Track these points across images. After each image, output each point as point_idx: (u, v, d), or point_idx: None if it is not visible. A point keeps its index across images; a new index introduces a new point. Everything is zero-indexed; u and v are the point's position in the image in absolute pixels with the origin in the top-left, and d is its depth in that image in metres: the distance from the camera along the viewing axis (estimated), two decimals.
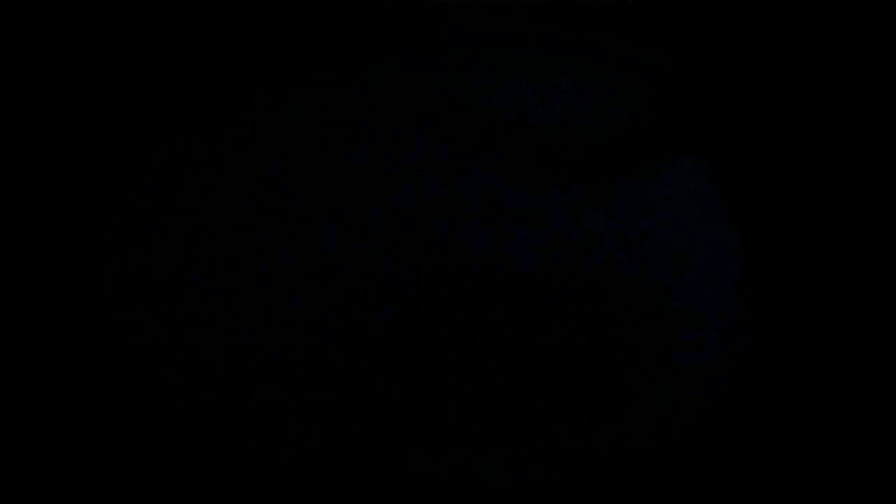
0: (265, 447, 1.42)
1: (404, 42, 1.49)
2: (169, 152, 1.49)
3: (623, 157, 1.47)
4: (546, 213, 1.44)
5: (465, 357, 1.41)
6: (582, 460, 1.40)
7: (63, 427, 1.42)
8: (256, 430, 1.42)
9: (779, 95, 1.50)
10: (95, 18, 1.50)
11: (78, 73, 1.50)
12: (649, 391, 1.41)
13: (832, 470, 1.42)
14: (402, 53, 1.49)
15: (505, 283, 1.42)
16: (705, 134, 1.48)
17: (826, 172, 1.48)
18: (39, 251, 1.46)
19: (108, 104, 1.49)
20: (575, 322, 1.42)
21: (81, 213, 1.47)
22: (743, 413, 1.42)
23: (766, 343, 1.44)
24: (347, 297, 1.44)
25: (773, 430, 1.43)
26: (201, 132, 1.49)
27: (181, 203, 1.47)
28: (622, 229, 1.45)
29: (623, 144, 1.47)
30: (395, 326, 1.42)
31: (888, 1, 1.48)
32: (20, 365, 1.43)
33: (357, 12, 1.49)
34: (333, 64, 1.49)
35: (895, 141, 1.48)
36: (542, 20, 1.50)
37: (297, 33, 1.50)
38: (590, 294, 1.42)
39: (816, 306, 1.45)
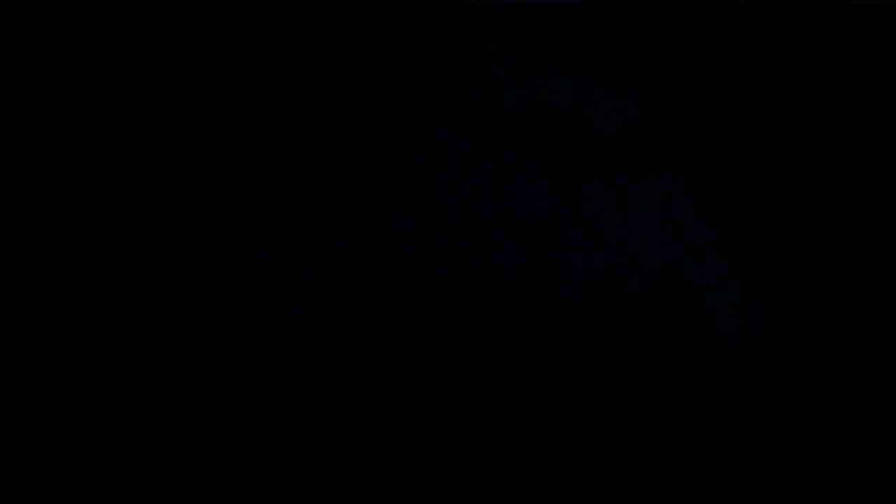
0: (271, 447, 1.41)
1: (438, 43, 1.50)
2: (188, 150, 1.49)
3: (638, 160, 1.47)
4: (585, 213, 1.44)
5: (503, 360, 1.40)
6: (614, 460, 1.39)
7: (63, 426, 1.42)
8: (262, 431, 1.41)
9: (796, 106, 1.51)
10: (96, 20, 1.50)
11: (78, 75, 1.50)
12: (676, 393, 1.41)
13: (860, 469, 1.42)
14: (436, 53, 1.50)
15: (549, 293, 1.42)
16: (720, 141, 1.49)
17: (842, 180, 1.49)
18: (39, 251, 1.45)
19: (109, 106, 1.50)
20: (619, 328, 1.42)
21: (81, 214, 1.47)
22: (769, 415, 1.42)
23: (786, 348, 1.44)
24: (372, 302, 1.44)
25: (799, 437, 1.42)
26: (214, 132, 1.49)
27: (195, 203, 1.48)
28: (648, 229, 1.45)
29: (639, 148, 1.48)
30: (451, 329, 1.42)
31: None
32: (19, 364, 1.42)
33: (397, 14, 1.50)
34: (364, 64, 1.50)
35: None
36: (573, 24, 1.51)
37: (333, 34, 1.51)
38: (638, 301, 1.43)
39: (833, 313, 1.45)
